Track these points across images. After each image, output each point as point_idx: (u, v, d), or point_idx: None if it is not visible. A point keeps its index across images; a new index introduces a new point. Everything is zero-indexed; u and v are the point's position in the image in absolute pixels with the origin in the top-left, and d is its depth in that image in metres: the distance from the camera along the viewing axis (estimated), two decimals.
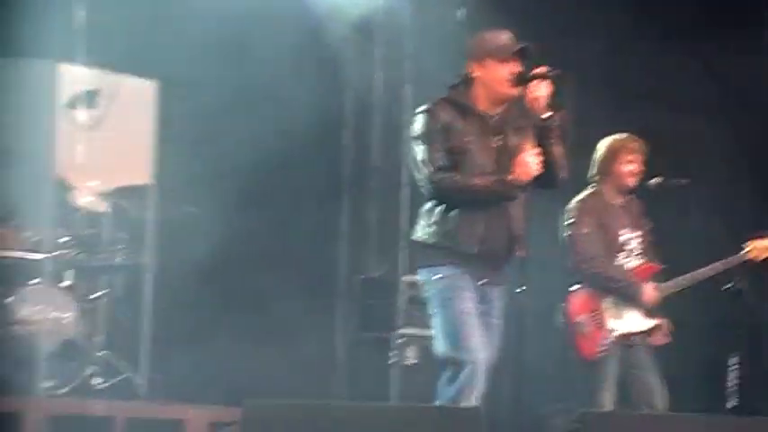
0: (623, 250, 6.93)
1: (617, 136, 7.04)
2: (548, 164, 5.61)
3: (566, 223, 6.90)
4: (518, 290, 5.52)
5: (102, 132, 8.90)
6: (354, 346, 9.35)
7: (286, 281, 9.13)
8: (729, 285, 6.68)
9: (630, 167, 6.96)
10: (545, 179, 5.64)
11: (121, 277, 8.86)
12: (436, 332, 5.67)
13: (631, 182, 6.98)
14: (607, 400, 6.75)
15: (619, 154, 6.95)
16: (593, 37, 9.43)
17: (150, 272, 8.85)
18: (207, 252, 8.81)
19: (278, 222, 9.33)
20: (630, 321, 6.85)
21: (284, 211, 9.37)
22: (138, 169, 9.07)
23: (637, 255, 6.97)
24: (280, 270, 9.23)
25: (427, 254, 5.71)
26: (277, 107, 8.93)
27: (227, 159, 9.04)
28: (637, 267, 6.94)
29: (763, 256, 6.87)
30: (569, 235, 6.88)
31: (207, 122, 9.06)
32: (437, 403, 5.59)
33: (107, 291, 8.56)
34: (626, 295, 6.81)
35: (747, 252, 6.86)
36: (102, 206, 8.56)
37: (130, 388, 8.23)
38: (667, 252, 7.22)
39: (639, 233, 7.01)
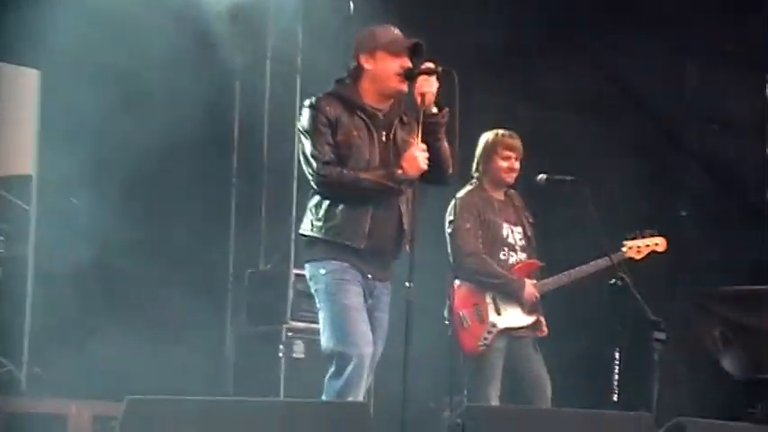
0: (505, 245, 6.98)
1: (495, 131, 7.09)
2: (435, 160, 5.61)
3: (447, 219, 6.93)
4: (407, 284, 5.51)
5: None
6: (243, 341, 9.28)
7: (174, 275, 9.03)
8: (614, 281, 6.76)
9: (507, 163, 7.02)
10: (433, 175, 5.64)
11: (1, 270, 8.67)
12: (322, 326, 5.65)
13: (508, 177, 7.04)
14: (492, 394, 6.80)
15: (496, 149, 7.01)
16: (482, 34, 9.48)
17: (31, 264, 8.67)
18: (90, 245, 8.66)
19: (166, 216, 9.21)
20: (511, 316, 6.91)
21: (172, 204, 9.25)
22: (20, 159, 8.89)
23: (519, 250, 7.02)
24: (167, 264, 9.13)
25: (314, 248, 5.69)
26: (164, 98, 8.82)
27: (112, 151, 8.90)
28: (518, 263, 6.99)
29: (641, 255, 7.00)
30: (451, 231, 6.92)
31: (90, 113, 8.90)
32: (323, 398, 5.57)
33: None
34: (505, 292, 6.87)
35: (625, 251, 6.99)
36: None
37: (12, 383, 8.06)
38: (551, 248, 7.29)
39: (521, 228, 7.07)
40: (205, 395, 6.61)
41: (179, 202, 9.28)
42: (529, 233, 7.10)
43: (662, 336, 6.49)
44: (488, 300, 6.88)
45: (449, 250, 6.94)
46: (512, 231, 7.03)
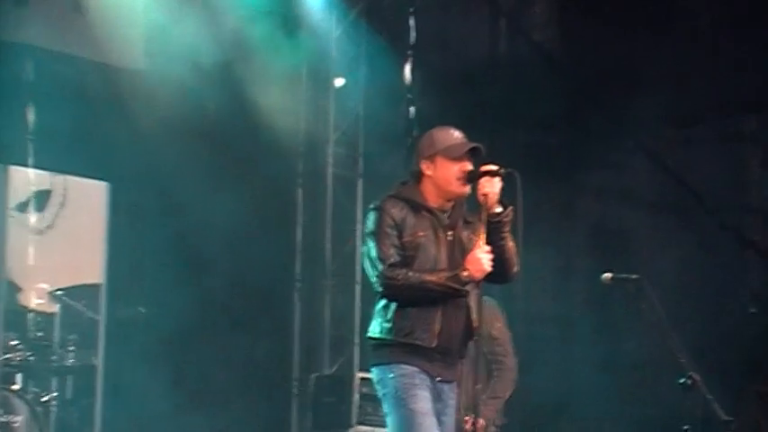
0: None
1: None
2: (499, 259, 5.61)
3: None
4: (477, 386, 5.50)
5: (53, 234, 8.86)
6: None
7: (241, 380, 9.07)
8: (683, 380, 6.68)
9: None
10: (497, 274, 5.63)
11: (72, 378, 8.75)
12: (391, 431, 5.61)
13: None
14: None
15: None
16: (539, 131, 9.54)
17: (101, 373, 8.73)
18: (158, 352, 8.72)
19: (232, 321, 9.28)
20: None
21: (239, 309, 9.32)
22: (89, 269, 9.02)
23: None
24: (235, 369, 9.18)
25: (382, 351, 5.65)
26: (228, 207, 8.94)
27: (178, 260, 9.01)
28: None
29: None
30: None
31: (159, 223, 9.03)
32: None
33: (57, 393, 8.44)
34: None
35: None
36: (53, 307, 8.49)
37: None
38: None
39: None
40: None
41: (247, 308, 9.34)
42: None
43: None
44: None
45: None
46: None
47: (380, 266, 5.57)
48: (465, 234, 5.73)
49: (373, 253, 5.61)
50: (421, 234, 5.63)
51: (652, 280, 6.81)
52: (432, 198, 5.73)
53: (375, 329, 5.68)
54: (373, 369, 5.71)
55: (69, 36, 8.72)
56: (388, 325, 5.62)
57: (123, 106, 8.75)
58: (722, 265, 9.73)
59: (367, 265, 5.67)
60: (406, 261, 5.59)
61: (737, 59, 9.18)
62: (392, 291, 5.59)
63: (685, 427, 6.53)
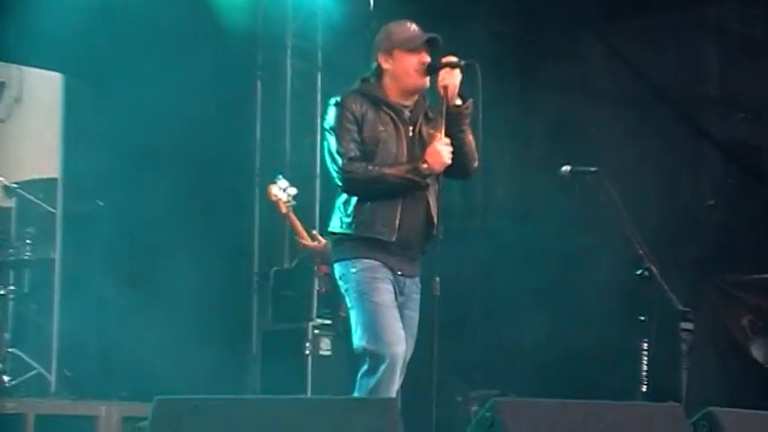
0: None
1: None
2: (459, 152, 5.60)
3: None
4: (436, 279, 5.51)
5: (8, 128, 8.76)
6: (269, 339, 9.29)
7: (198, 274, 9.06)
8: (640, 271, 6.72)
9: None
10: (457, 168, 5.63)
11: (29, 273, 8.71)
12: (354, 325, 5.61)
13: None
14: None
15: None
16: (498, 24, 9.46)
17: (58, 267, 8.70)
18: (116, 246, 8.69)
19: (189, 215, 9.25)
20: None
21: (196, 203, 9.29)
22: (45, 163, 8.93)
23: None
24: (192, 263, 9.16)
25: (344, 246, 5.66)
26: (185, 99, 8.85)
27: (136, 153, 8.93)
28: None
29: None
30: None
31: (115, 115, 8.94)
32: (356, 395, 5.55)
33: (14, 287, 8.41)
34: None
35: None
36: (9, 201, 8.41)
37: (41, 385, 8.10)
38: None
39: None
40: (232, 394, 6.63)
41: (204, 201, 9.31)
42: None
43: (690, 326, 6.45)
44: None
45: None
46: None
47: (340, 161, 5.57)
48: (426, 129, 5.72)
49: (333, 147, 5.61)
50: (381, 129, 5.62)
51: (610, 172, 6.84)
52: (392, 93, 5.70)
53: (335, 224, 5.69)
54: (335, 264, 5.73)
55: None
56: (348, 219, 5.63)
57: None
58: (680, 156, 9.78)
59: (327, 160, 5.67)
60: (367, 156, 5.58)
61: None
62: (352, 184, 5.59)
63: (642, 317, 6.61)
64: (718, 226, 9.75)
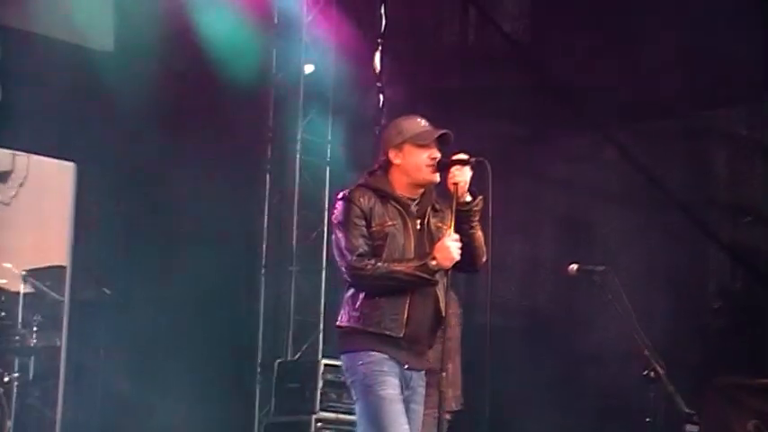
0: None
1: None
2: (468, 248, 5.61)
3: None
4: (443, 373, 5.51)
5: (15, 214, 8.80)
6: (271, 431, 9.24)
7: (202, 364, 9.05)
8: (646, 372, 6.72)
9: None
10: (465, 263, 5.63)
11: (34, 359, 8.70)
12: (359, 419, 5.59)
13: None
14: None
15: None
16: (509, 122, 9.55)
17: (64, 354, 8.69)
18: (121, 335, 8.68)
19: (196, 305, 9.26)
20: None
21: (201, 291, 9.30)
22: (53, 250, 8.96)
23: None
24: (196, 353, 9.16)
25: (350, 339, 5.64)
26: (196, 186, 8.93)
27: (143, 241, 8.98)
28: None
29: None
30: None
31: (121, 203, 9.00)
32: None
33: (19, 374, 8.39)
34: None
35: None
36: (17, 287, 8.43)
37: None
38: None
39: None
40: None
41: (209, 292, 9.32)
42: None
43: (695, 429, 6.41)
44: None
45: None
46: None
47: (349, 257, 5.56)
48: (434, 222, 5.73)
49: (342, 243, 5.61)
50: (389, 223, 5.62)
51: (618, 272, 6.85)
52: (400, 187, 5.71)
53: (343, 318, 5.68)
54: (342, 356, 5.70)
55: (38, 16, 8.67)
56: (356, 314, 5.61)
57: (91, 87, 8.71)
58: (688, 259, 9.79)
59: (336, 254, 5.67)
60: (375, 251, 5.58)
61: (707, 53, 9.21)
62: (361, 281, 5.58)
63: (648, 420, 6.58)
64: (724, 329, 9.74)
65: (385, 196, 5.67)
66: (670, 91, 9.44)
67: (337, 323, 5.72)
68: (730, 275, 9.80)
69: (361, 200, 5.62)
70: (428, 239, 5.67)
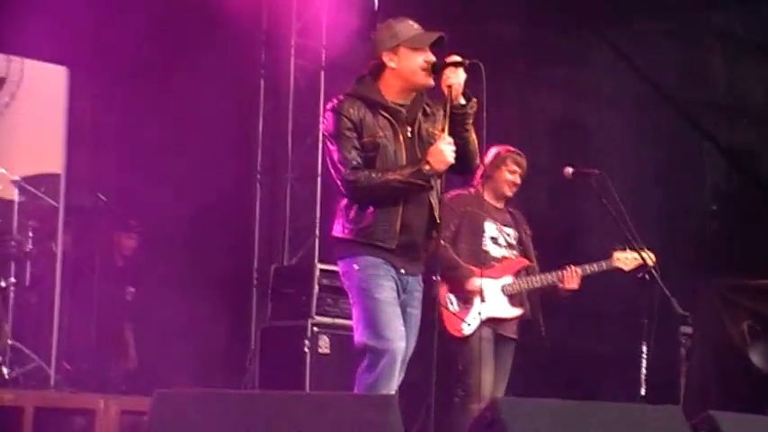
0: (489, 238, 7.05)
1: (505, 146, 7.20)
2: (463, 151, 5.60)
3: None
4: (434, 278, 5.53)
5: (9, 120, 8.75)
6: (268, 335, 9.28)
7: (200, 270, 9.08)
8: (641, 275, 6.75)
9: (512, 177, 7.14)
10: (460, 166, 5.62)
11: (31, 266, 8.71)
12: (356, 321, 5.62)
13: (509, 191, 7.22)
14: (487, 379, 6.85)
15: (505, 162, 7.15)
16: (502, 24, 9.47)
17: (60, 261, 8.71)
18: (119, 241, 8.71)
19: (192, 211, 9.27)
20: (496, 306, 6.95)
21: (197, 199, 9.30)
22: (48, 156, 8.93)
23: (504, 246, 7.11)
24: (193, 259, 9.19)
25: (346, 247, 5.66)
26: (191, 91, 8.87)
27: (140, 148, 8.96)
28: (502, 258, 7.06)
29: (628, 267, 7.00)
30: None
31: (119, 110, 8.96)
32: (355, 391, 5.56)
33: (15, 279, 8.40)
34: (452, 278, 6.89)
35: (614, 261, 7.02)
36: (11, 194, 8.41)
37: (41, 377, 8.10)
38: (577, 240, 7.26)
39: (514, 232, 7.17)
40: (231, 389, 6.63)
41: (205, 197, 9.33)
42: (524, 239, 7.20)
43: (689, 330, 6.46)
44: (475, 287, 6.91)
45: None
46: (501, 230, 7.11)
47: (343, 170, 5.56)
48: (425, 127, 5.71)
49: (334, 156, 5.60)
50: (380, 134, 5.60)
51: (613, 175, 6.85)
52: (391, 92, 5.67)
53: (338, 229, 5.69)
54: (339, 262, 5.73)
55: None
56: (349, 225, 5.63)
57: None
58: (684, 162, 9.79)
59: (330, 167, 5.65)
60: (368, 162, 5.56)
61: None
62: (356, 193, 5.58)
63: (643, 321, 6.63)
64: (720, 231, 9.77)
65: (374, 105, 5.63)
66: None
67: (332, 233, 5.73)
68: (726, 178, 9.80)
69: (351, 110, 5.59)
70: (419, 145, 5.66)
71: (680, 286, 6.77)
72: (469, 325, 6.88)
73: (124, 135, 9.06)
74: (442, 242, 6.64)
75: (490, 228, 7.11)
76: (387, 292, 5.57)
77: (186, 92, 9.12)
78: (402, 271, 5.64)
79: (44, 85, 8.94)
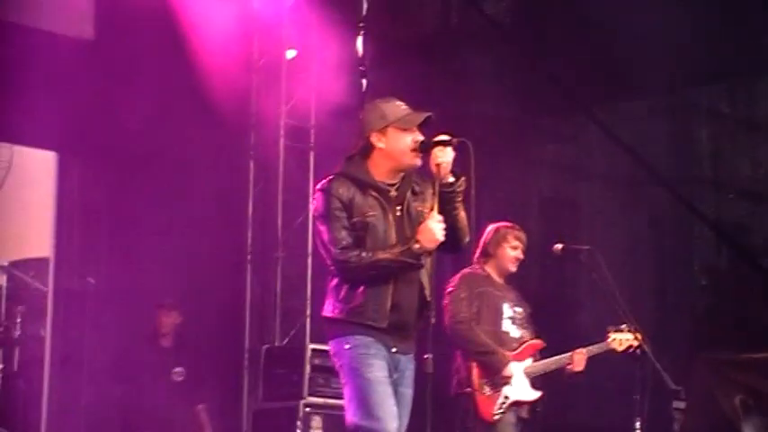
0: (507, 318, 7.12)
1: (502, 223, 7.23)
2: (452, 229, 5.59)
3: (446, 291, 7.14)
4: (426, 356, 5.50)
5: (1, 205, 8.78)
6: (260, 417, 9.23)
7: (192, 351, 9.04)
8: (633, 349, 6.75)
9: (515, 253, 7.18)
10: (450, 244, 5.61)
11: (19, 350, 8.68)
12: (347, 401, 5.56)
13: (513, 266, 7.28)
14: None
15: (506, 238, 7.19)
16: (491, 103, 9.54)
17: (48, 345, 8.68)
18: (107, 324, 8.67)
19: (182, 291, 9.25)
20: (521, 389, 7.02)
21: (190, 279, 9.29)
22: (36, 241, 8.94)
23: (519, 326, 7.18)
24: (186, 339, 9.15)
25: (337, 327, 5.63)
26: (180, 175, 8.90)
27: (129, 231, 8.96)
28: (521, 339, 7.10)
29: (623, 346, 7.03)
30: (448, 300, 7.17)
31: (108, 194, 8.98)
32: None
33: (3, 365, 8.37)
34: (488, 363, 6.96)
35: (610, 342, 7.06)
36: (1, 279, 8.41)
37: None
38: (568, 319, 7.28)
39: (522, 309, 7.25)
40: None
41: (198, 278, 9.31)
42: (529, 315, 7.24)
43: (682, 404, 6.45)
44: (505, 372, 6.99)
45: (443, 318, 7.09)
46: (513, 309, 7.17)
47: (333, 250, 5.53)
48: (414, 206, 5.70)
49: (325, 237, 5.58)
50: (370, 214, 5.58)
51: (604, 251, 6.87)
52: (380, 172, 5.67)
53: (328, 308, 5.66)
54: (329, 342, 5.69)
55: (18, 5, 8.63)
56: (339, 305, 5.59)
57: (72, 76, 8.68)
58: (673, 237, 9.82)
59: (320, 248, 5.65)
60: (358, 241, 5.55)
61: (689, 31, 9.22)
62: (347, 273, 5.56)
63: (635, 396, 6.61)
64: (710, 305, 9.77)
65: (364, 185, 5.63)
66: (651, 69, 9.45)
67: (323, 313, 5.71)
68: (715, 252, 9.82)
69: (341, 190, 5.58)
70: (409, 224, 5.65)
71: (672, 360, 6.76)
72: (501, 410, 6.93)
73: (113, 219, 9.05)
74: (472, 324, 6.73)
75: (507, 308, 7.18)
76: (378, 371, 5.53)
77: (175, 173, 9.15)
78: (393, 350, 5.61)
79: (33, 171, 8.98)
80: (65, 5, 8.82)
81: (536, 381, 7.15)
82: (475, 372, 7.01)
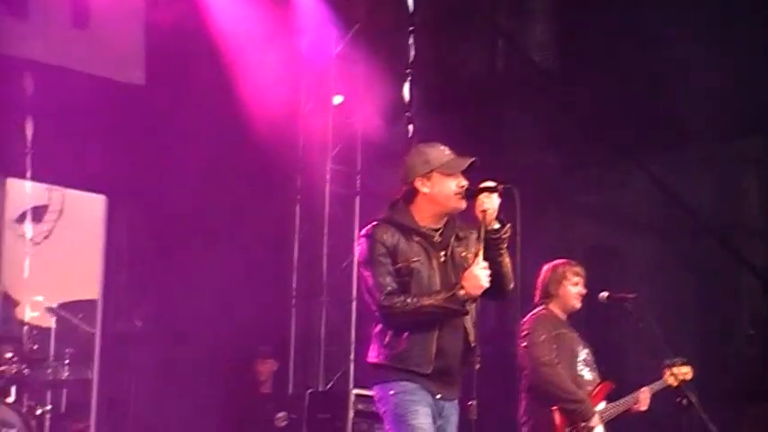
0: (580, 361, 7.02)
1: (558, 261, 7.16)
2: (497, 275, 5.59)
3: (522, 334, 6.95)
4: (470, 402, 5.48)
5: (49, 247, 8.87)
6: None
7: (235, 394, 9.05)
8: (680, 399, 6.69)
9: (576, 289, 7.09)
10: (494, 290, 5.59)
11: (67, 392, 8.74)
12: None
13: (578, 303, 7.12)
14: None
15: (566, 276, 7.09)
16: (542, 152, 9.54)
17: (96, 387, 8.73)
18: (154, 367, 8.71)
19: (227, 337, 9.28)
20: None
21: (233, 322, 9.32)
22: (85, 283, 9.02)
23: (591, 368, 7.06)
24: (231, 385, 9.17)
25: (382, 372, 5.62)
26: (227, 218, 8.95)
27: (176, 275, 9.01)
28: (594, 382, 7.02)
29: (676, 383, 6.93)
30: (527, 343, 6.96)
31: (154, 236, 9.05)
32: None
33: (51, 407, 8.42)
34: (575, 411, 6.85)
35: (666, 378, 6.97)
36: (49, 321, 8.48)
37: None
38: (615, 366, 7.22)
39: (587, 349, 7.10)
40: None
41: (241, 323, 9.34)
42: (594, 357, 7.15)
43: None
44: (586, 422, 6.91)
45: (523, 363, 6.96)
46: (585, 351, 7.08)
47: (378, 296, 5.52)
48: (458, 252, 5.69)
49: (370, 282, 5.57)
50: (414, 259, 5.58)
51: (650, 300, 6.83)
52: (424, 217, 5.67)
53: (373, 354, 5.65)
54: (374, 387, 5.68)
55: (69, 50, 8.74)
56: (385, 351, 5.58)
57: (122, 121, 8.78)
58: (720, 286, 9.75)
59: (365, 293, 5.65)
60: (402, 286, 5.56)
61: (737, 80, 9.19)
62: (392, 319, 5.55)
63: None
64: (758, 356, 9.68)
65: (408, 231, 5.63)
66: (701, 118, 9.42)
67: (368, 359, 5.70)
68: (763, 302, 9.75)
69: (385, 236, 5.58)
70: (453, 270, 5.64)
71: (718, 412, 6.70)
72: None
73: (160, 261, 9.11)
74: (557, 368, 6.66)
75: (581, 351, 7.08)
76: (422, 417, 5.51)
77: (223, 216, 9.20)
78: (438, 396, 5.60)
79: (83, 214, 9.07)
80: (116, 51, 8.92)
81: (608, 424, 7.03)
82: (557, 418, 6.87)
